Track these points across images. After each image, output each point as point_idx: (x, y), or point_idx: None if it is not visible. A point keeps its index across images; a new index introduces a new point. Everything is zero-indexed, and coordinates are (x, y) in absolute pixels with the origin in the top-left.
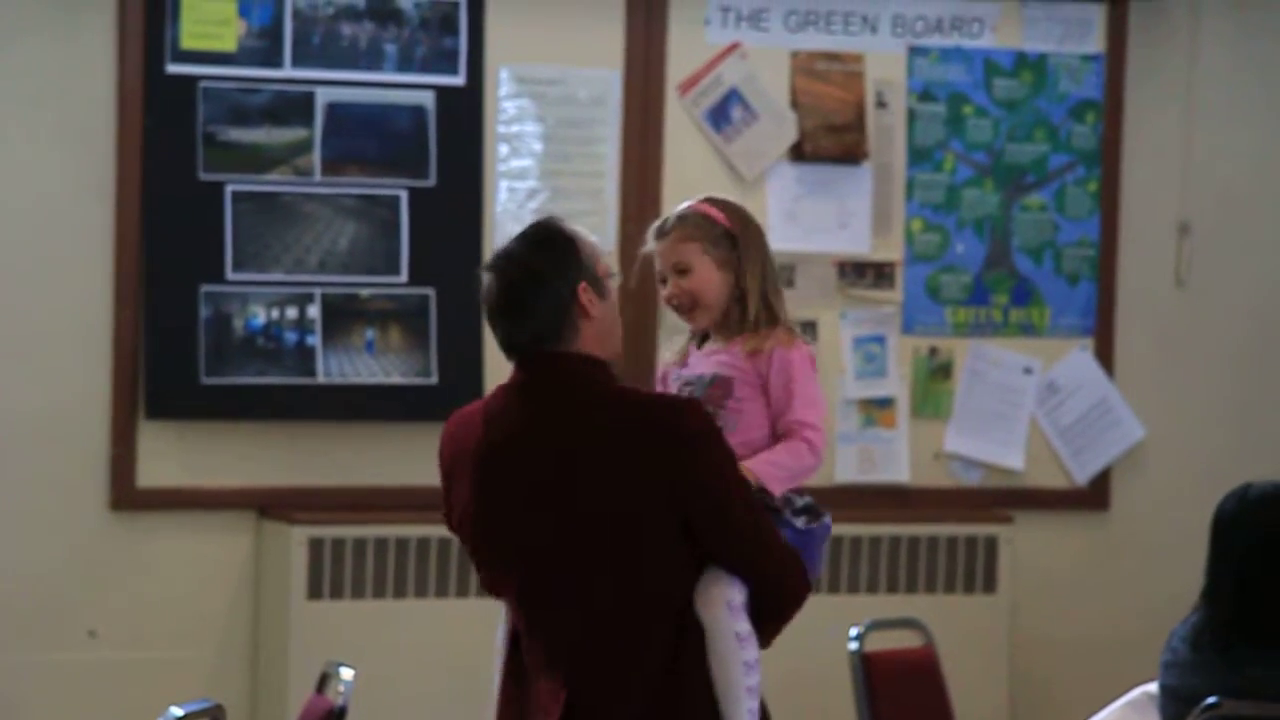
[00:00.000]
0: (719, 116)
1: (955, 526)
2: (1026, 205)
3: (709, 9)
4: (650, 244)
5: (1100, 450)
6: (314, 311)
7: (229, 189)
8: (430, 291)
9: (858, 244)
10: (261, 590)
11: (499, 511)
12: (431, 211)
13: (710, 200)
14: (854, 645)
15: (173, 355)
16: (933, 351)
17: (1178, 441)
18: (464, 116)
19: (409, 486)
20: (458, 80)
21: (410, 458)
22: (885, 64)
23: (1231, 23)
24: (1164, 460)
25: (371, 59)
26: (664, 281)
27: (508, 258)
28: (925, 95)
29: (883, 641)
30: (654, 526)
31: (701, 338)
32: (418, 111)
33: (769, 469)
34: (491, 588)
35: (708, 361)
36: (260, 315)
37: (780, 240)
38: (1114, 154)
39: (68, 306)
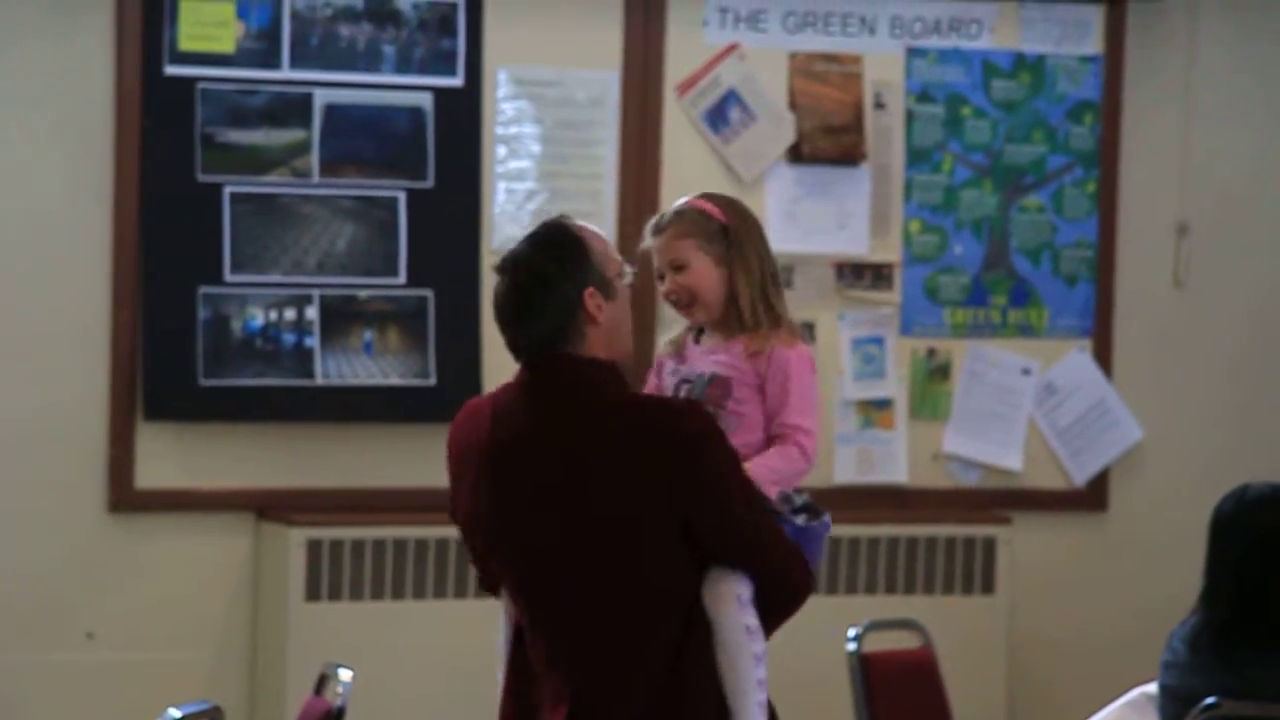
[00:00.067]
0: (717, 117)
1: (953, 527)
2: (1025, 206)
3: (707, 10)
4: (648, 240)
5: (1098, 451)
6: (312, 313)
7: (227, 190)
8: (428, 293)
9: (856, 245)
10: (260, 592)
11: (504, 512)
12: (430, 213)
13: (708, 196)
14: (852, 646)
15: (171, 357)
16: (931, 352)
17: (1176, 442)
18: (462, 118)
19: (407, 488)
20: (456, 81)
21: (409, 459)
22: (883, 65)
23: (1229, 24)
24: (1162, 461)
25: (369, 60)
26: (662, 277)
27: (515, 260)
28: (923, 96)
29: (881, 642)
30: (657, 527)
31: (699, 330)
32: (416, 113)
33: (763, 472)
34: (490, 586)
35: (707, 360)
36: (258, 317)
37: (779, 241)
38: (1112, 155)
39: (66, 308)
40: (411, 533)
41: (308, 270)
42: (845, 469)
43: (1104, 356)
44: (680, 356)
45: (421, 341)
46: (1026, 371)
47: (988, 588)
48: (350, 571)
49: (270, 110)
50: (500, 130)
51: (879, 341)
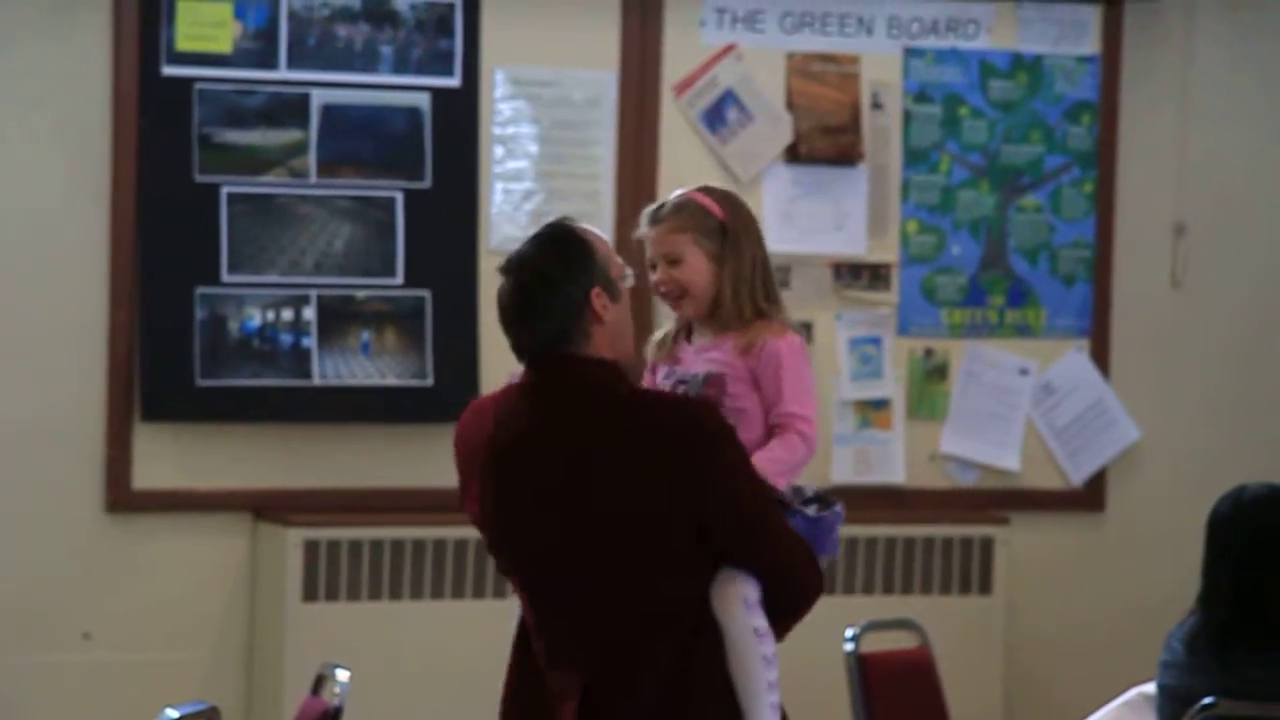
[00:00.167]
0: (714, 118)
1: (951, 527)
2: (1022, 206)
3: (704, 10)
4: (643, 229)
5: (1096, 451)
6: (309, 313)
7: (224, 191)
8: (426, 293)
9: (853, 245)
10: (257, 592)
11: (509, 511)
12: (427, 213)
13: (707, 190)
14: (850, 646)
15: (168, 357)
16: (928, 353)
17: (1173, 442)
18: (459, 118)
19: (405, 488)
20: (453, 82)
21: (406, 459)
22: (881, 65)
23: (1226, 24)
24: (1159, 461)
25: (367, 61)
26: (654, 267)
27: (520, 261)
28: (921, 96)
29: (879, 642)
30: (668, 526)
31: (689, 330)
32: (413, 113)
33: (769, 465)
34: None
35: (700, 359)
36: (256, 317)
37: (776, 241)
38: (1109, 155)
39: (63, 308)
40: (409, 533)
41: (305, 270)
42: (843, 469)
43: (1101, 357)
44: (673, 358)
45: (419, 342)
46: (1024, 371)
47: (985, 588)
48: (347, 572)
49: (267, 110)
50: (498, 130)
51: (876, 342)
